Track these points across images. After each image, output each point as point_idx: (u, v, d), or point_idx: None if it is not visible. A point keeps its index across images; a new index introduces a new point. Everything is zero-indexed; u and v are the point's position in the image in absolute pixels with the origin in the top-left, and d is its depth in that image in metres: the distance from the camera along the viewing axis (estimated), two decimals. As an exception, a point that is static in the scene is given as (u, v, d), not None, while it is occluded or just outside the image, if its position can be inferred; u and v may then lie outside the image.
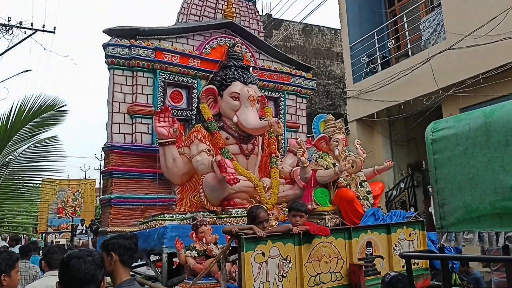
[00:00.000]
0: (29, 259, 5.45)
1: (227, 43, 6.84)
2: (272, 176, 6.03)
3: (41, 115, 5.47)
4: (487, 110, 2.47)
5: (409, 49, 9.33)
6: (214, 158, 5.19)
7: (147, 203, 5.91)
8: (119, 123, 6.11)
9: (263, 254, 3.42)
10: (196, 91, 6.55)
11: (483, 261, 4.62)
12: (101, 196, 6.15)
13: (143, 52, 6.19)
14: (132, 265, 2.51)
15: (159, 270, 5.19)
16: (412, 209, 8.49)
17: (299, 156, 5.04)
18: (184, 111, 6.50)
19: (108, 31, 6.19)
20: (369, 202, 4.93)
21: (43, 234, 16.96)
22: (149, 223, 5.34)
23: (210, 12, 7.19)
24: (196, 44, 6.83)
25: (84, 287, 1.81)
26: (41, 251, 8.35)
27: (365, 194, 4.97)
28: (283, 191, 5.93)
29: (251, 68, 6.95)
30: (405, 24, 9.45)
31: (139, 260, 6.02)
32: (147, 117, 6.19)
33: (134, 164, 5.99)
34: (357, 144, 5.59)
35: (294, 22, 15.43)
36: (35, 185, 5.80)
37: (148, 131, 6.19)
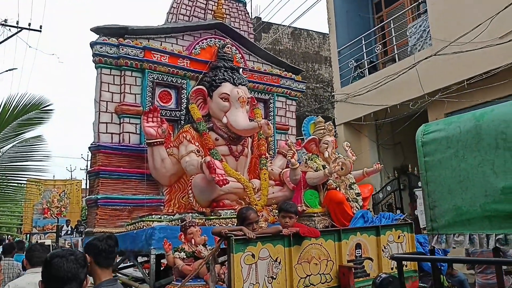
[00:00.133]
0: (13, 256, 5.34)
1: (217, 44, 6.81)
2: (261, 177, 6.00)
3: (26, 114, 5.36)
4: (478, 113, 2.50)
5: (396, 55, 9.47)
6: (203, 159, 5.14)
7: (134, 203, 5.83)
8: (107, 123, 6.01)
9: (253, 255, 3.40)
10: (185, 91, 6.50)
11: (473, 263, 4.67)
12: (88, 197, 6.05)
13: (132, 51, 6.11)
14: (111, 265, 2.50)
15: (147, 272, 5.13)
16: (398, 211, 8.57)
17: (289, 157, 5.03)
18: (173, 112, 6.44)
19: (96, 30, 6.10)
20: (359, 204, 4.95)
21: (28, 235, 16.68)
22: (136, 224, 5.26)
23: (200, 12, 7.14)
24: (186, 44, 6.78)
25: (66, 285, 1.82)
26: (26, 251, 8.16)
27: (355, 196, 4.99)
28: (273, 192, 5.91)
29: (241, 69, 6.93)
30: (392, 30, 9.58)
31: (126, 261, 5.94)
32: (135, 117, 6.11)
33: (122, 164, 5.91)
34: (347, 146, 5.61)
35: (283, 25, 15.49)
36: (19, 185, 5.66)
37: (136, 131, 6.11)
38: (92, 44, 5.98)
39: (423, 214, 7.61)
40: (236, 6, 7.62)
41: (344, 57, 10.50)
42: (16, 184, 5.64)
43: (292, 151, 5.02)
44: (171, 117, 6.37)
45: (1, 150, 5.35)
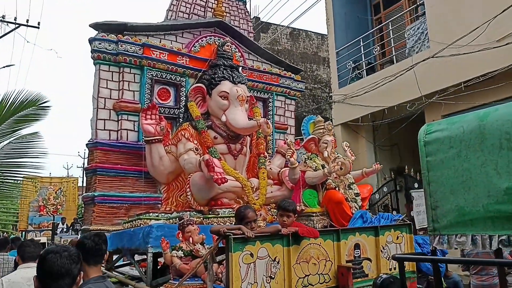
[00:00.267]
0: (7, 252, 5.29)
1: (216, 42, 6.77)
2: (260, 176, 5.97)
3: (23, 110, 5.33)
4: (481, 113, 2.47)
5: (394, 56, 9.48)
6: (202, 157, 5.11)
7: (132, 201, 5.80)
8: (104, 120, 5.98)
9: (251, 255, 3.36)
10: (184, 89, 6.46)
11: (474, 264, 4.66)
12: (85, 194, 6.00)
13: (131, 48, 6.07)
14: (100, 263, 2.51)
15: (143, 270, 5.08)
16: (394, 212, 8.56)
17: (289, 157, 5.00)
18: (172, 109, 6.40)
19: (95, 26, 6.06)
20: (357, 204, 4.92)
21: (23, 232, 16.56)
22: (133, 222, 5.22)
23: (200, 10, 7.11)
24: (185, 42, 6.75)
25: (59, 280, 1.87)
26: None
27: (354, 196, 4.96)
28: (271, 192, 5.88)
29: (240, 68, 6.90)
30: (390, 31, 9.59)
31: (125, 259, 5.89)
32: (133, 114, 6.08)
33: (119, 162, 5.87)
34: (346, 146, 5.59)
35: (282, 26, 15.48)
36: (15, 182, 5.62)
37: (134, 128, 6.07)
38: (91, 40, 5.94)
39: (419, 215, 7.64)
40: (236, 4, 7.59)
41: (342, 58, 10.51)
42: (12, 181, 5.59)
43: (291, 150, 5.00)
44: (170, 115, 6.33)
45: (-2, 146, 5.29)
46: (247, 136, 6.33)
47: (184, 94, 6.42)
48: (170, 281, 4.03)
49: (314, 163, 5.08)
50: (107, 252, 2.63)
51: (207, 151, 5.69)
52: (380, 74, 9.12)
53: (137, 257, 5.90)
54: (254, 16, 14.97)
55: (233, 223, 4.44)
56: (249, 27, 7.68)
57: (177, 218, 4.70)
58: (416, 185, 8.32)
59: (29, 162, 5.36)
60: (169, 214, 5.29)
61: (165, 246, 4.01)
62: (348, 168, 4.99)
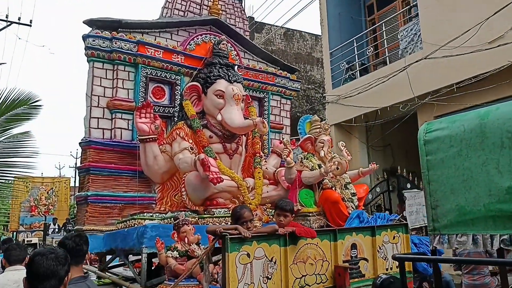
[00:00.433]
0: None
1: (212, 40, 6.71)
2: (255, 176, 5.93)
3: (14, 109, 5.25)
4: (482, 112, 2.45)
5: (387, 57, 9.53)
6: (197, 156, 5.04)
7: (125, 201, 5.71)
8: (98, 118, 5.89)
9: (248, 255, 3.32)
10: (179, 87, 6.39)
11: (476, 264, 4.66)
12: (77, 193, 5.91)
13: (125, 45, 5.99)
14: (81, 263, 2.55)
15: (138, 271, 5.02)
16: (387, 212, 8.58)
17: (285, 156, 4.96)
18: (166, 108, 6.33)
19: (89, 22, 5.97)
20: (354, 204, 4.89)
21: (15, 233, 16.37)
22: (127, 222, 5.15)
23: (195, 8, 7.04)
24: (180, 40, 6.68)
25: (45, 282, 1.91)
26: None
27: (350, 196, 4.93)
28: (267, 191, 5.84)
29: (236, 66, 6.84)
30: (384, 32, 9.63)
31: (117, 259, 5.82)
32: (128, 113, 5.99)
33: (113, 161, 5.78)
34: (342, 146, 5.56)
35: (276, 26, 15.46)
36: (6, 181, 5.53)
37: (128, 127, 5.99)
38: (85, 37, 5.85)
39: (412, 216, 7.66)
40: (232, 2, 7.54)
41: (336, 58, 10.55)
42: (3, 181, 5.51)
43: (287, 150, 4.96)
44: (165, 114, 6.26)
45: (-12, 145, 5.20)
46: (243, 136, 6.28)
47: (179, 92, 6.35)
48: (165, 282, 3.98)
49: (310, 162, 5.04)
50: (89, 252, 2.65)
51: (203, 151, 5.63)
52: (374, 75, 9.17)
53: (131, 258, 5.82)
54: (249, 16, 14.93)
55: (229, 223, 4.39)
56: (244, 25, 7.63)
57: (172, 218, 4.64)
58: (408, 186, 8.35)
59: (20, 162, 5.28)
60: (163, 214, 5.22)
61: (160, 246, 3.96)
62: (344, 167, 4.96)
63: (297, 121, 5.82)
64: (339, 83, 10.37)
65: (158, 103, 6.23)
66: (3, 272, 3.80)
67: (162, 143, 5.83)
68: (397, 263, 4.40)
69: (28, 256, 3.15)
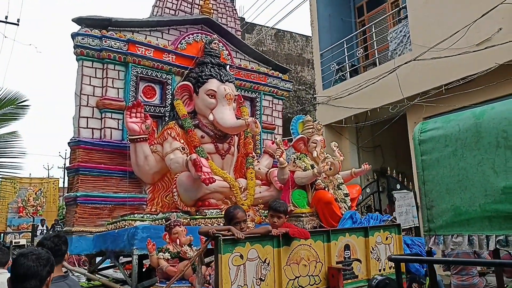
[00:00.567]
0: None
1: (203, 40, 6.66)
2: (248, 177, 5.88)
3: (1, 109, 5.16)
4: (477, 111, 2.44)
5: (377, 59, 9.58)
6: (189, 156, 4.98)
7: (116, 202, 5.61)
8: (87, 117, 5.79)
9: (241, 256, 3.27)
10: (170, 87, 6.32)
11: (472, 265, 4.67)
12: (66, 194, 5.80)
13: (115, 44, 5.91)
14: (60, 263, 2.56)
15: (128, 273, 4.94)
16: (376, 213, 8.61)
17: (278, 156, 4.92)
18: (157, 107, 6.25)
19: (78, 20, 5.87)
20: (347, 205, 4.88)
21: (2, 234, 16.09)
22: (117, 223, 5.07)
23: (187, 6, 6.98)
24: (171, 39, 6.61)
25: (25, 282, 1.94)
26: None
27: (343, 197, 4.92)
28: (260, 192, 5.80)
29: (228, 66, 6.80)
30: (374, 34, 9.69)
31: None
32: (118, 112, 5.90)
33: (103, 161, 5.69)
34: (335, 146, 5.55)
35: (267, 27, 15.46)
36: (-7, 182, 5.43)
37: (118, 127, 5.90)
38: (74, 35, 5.75)
39: (401, 216, 7.69)
40: (224, 2, 7.49)
41: (326, 60, 10.59)
42: (-11, 181, 5.42)
43: (280, 150, 4.92)
44: (155, 113, 6.18)
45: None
46: (235, 136, 6.23)
47: (170, 92, 6.28)
48: (156, 284, 3.91)
49: (303, 163, 5.01)
50: (68, 252, 2.69)
51: (194, 151, 5.57)
52: (363, 76, 9.22)
53: (121, 260, 5.73)
54: (239, 17, 14.92)
55: (222, 224, 4.35)
56: (236, 25, 7.58)
57: (164, 219, 4.57)
58: (398, 186, 8.41)
59: (7, 162, 5.20)
60: (154, 215, 5.15)
61: (151, 248, 3.89)
62: (337, 168, 4.95)
63: (288, 122, 5.80)
64: (330, 84, 10.41)
65: (148, 102, 6.16)
66: None
67: (153, 143, 5.76)
68: (390, 264, 4.41)
69: (11, 258, 3.12)
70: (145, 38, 6.26)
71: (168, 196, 5.54)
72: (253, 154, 6.37)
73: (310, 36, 12.86)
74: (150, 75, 6.18)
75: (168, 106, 6.25)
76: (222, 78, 6.09)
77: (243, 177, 6.03)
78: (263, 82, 7.44)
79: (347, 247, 4.12)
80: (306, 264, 3.72)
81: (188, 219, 4.97)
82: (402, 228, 6.90)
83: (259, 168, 6.17)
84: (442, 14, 7.44)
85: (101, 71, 5.93)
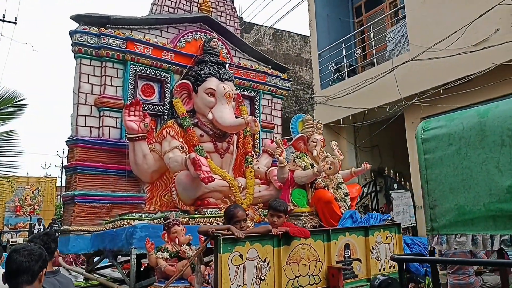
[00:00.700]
0: None
1: (202, 38, 6.62)
2: (247, 176, 5.85)
3: (-2, 108, 5.12)
4: (482, 110, 2.41)
5: (375, 59, 9.58)
6: (188, 155, 4.94)
7: (114, 201, 5.57)
8: (85, 116, 5.75)
9: (241, 256, 3.24)
10: (169, 85, 6.28)
11: (475, 265, 4.66)
12: (64, 193, 5.75)
13: (114, 42, 5.86)
14: (50, 260, 2.59)
15: (126, 272, 4.90)
16: (374, 212, 8.61)
17: (277, 155, 4.89)
18: (156, 106, 6.21)
19: (76, 18, 5.83)
20: (347, 204, 4.85)
21: (-1, 233, 16.04)
22: (116, 222, 5.03)
23: (186, 4, 6.94)
24: (170, 37, 6.57)
25: (18, 277, 1.99)
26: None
27: (343, 196, 4.89)
28: (259, 191, 5.76)
29: (227, 65, 6.76)
30: (372, 34, 9.69)
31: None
32: (116, 110, 5.86)
33: (101, 160, 5.64)
34: (334, 145, 5.52)
35: (265, 26, 15.43)
36: (-10, 181, 5.39)
37: (116, 125, 5.86)
38: (72, 33, 5.70)
39: (398, 216, 7.69)
40: (223, 0, 7.44)
41: (324, 59, 10.58)
42: (-14, 181, 5.39)
43: (280, 149, 4.89)
44: (154, 112, 6.14)
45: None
46: (234, 135, 6.20)
47: (169, 90, 6.24)
48: (155, 283, 3.87)
49: (303, 162, 4.98)
50: (57, 250, 2.75)
51: (193, 149, 5.53)
52: (361, 76, 9.21)
53: (119, 259, 5.69)
54: (238, 16, 14.88)
55: (220, 223, 4.31)
56: (235, 23, 7.54)
57: (162, 218, 4.54)
58: (395, 186, 8.42)
59: (4, 161, 5.16)
60: (153, 214, 5.12)
61: (150, 247, 3.85)
62: (337, 167, 4.92)
63: (286, 122, 5.77)
64: (328, 84, 10.41)
65: (147, 101, 6.11)
66: None
67: (152, 141, 5.72)
68: (390, 263, 4.39)
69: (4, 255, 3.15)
70: (144, 36, 6.22)
71: (167, 195, 5.50)
72: (252, 153, 6.33)
73: (308, 36, 12.84)
74: (148, 73, 6.14)
75: (167, 105, 6.21)
76: (221, 76, 6.06)
77: (242, 176, 6.00)
78: (262, 81, 7.40)
79: (347, 246, 4.09)
80: (306, 263, 3.69)
81: (187, 218, 4.94)
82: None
83: (258, 167, 6.13)
84: (440, 15, 7.45)
85: (99, 69, 5.89)
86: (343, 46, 10.13)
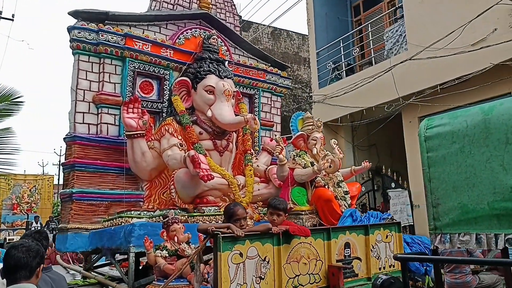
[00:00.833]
0: None
1: (202, 35, 6.56)
2: (246, 174, 5.80)
3: (-5, 105, 5.09)
4: (486, 107, 2.38)
5: (373, 58, 9.58)
6: (187, 152, 4.90)
7: (112, 199, 5.52)
8: (83, 113, 5.69)
9: (241, 254, 3.22)
10: (168, 82, 6.23)
11: (479, 264, 4.66)
12: (62, 190, 5.70)
13: (112, 38, 5.80)
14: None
15: (125, 271, 4.86)
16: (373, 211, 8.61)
17: (277, 153, 4.85)
18: (155, 103, 6.15)
19: (74, 13, 5.76)
20: (347, 203, 4.83)
21: (-4, 231, 15.98)
22: (114, 220, 4.99)
23: (185, 1, 6.87)
24: (169, 34, 6.51)
25: (16, 272, 2.06)
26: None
27: (343, 195, 4.87)
28: (258, 189, 5.72)
29: (227, 62, 6.71)
30: (370, 33, 9.69)
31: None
32: (114, 107, 5.80)
33: (99, 157, 5.58)
34: (334, 144, 5.49)
35: (263, 25, 15.37)
36: (-13, 179, 5.36)
37: (115, 122, 5.80)
38: (70, 29, 5.64)
39: (396, 215, 7.71)
40: (223, -4, 7.39)
41: (322, 58, 10.57)
42: (-17, 178, 5.36)
43: (280, 147, 4.86)
44: (153, 109, 6.09)
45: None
46: (233, 133, 6.15)
47: (168, 87, 6.19)
48: (153, 282, 3.84)
49: (303, 160, 4.96)
50: (49, 248, 2.80)
51: (192, 147, 5.49)
52: (359, 75, 9.21)
53: (117, 257, 5.65)
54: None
55: (220, 222, 4.28)
56: (235, 20, 7.49)
57: (161, 216, 4.50)
58: (393, 185, 8.43)
59: (1, 159, 5.12)
60: (151, 212, 5.07)
61: (148, 245, 3.82)
62: (337, 165, 4.89)
63: (284, 120, 5.73)
64: (326, 83, 10.40)
65: (146, 98, 6.06)
66: None
67: (150, 139, 5.67)
68: (390, 262, 4.37)
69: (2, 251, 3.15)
70: (143, 33, 6.16)
71: (166, 193, 5.45)
72: (252, 151, 6.29)
73: (307, 35, 12.83)
74: (147, 70, 6.08)
75: (165, 102, 6.16)
76: (220, 74, 6.01)
77: (242, 174, 5.96)
78: (261, 79, 7.36)
79: (347, 245, 4.07)
80: (306, 262, 3.67)
81: (186, 216, 4.89)
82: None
83: (257, 165, 6.09)
84: (437, 14, 7.46)
85: (97, 65, 5.83)
86: (341, 45, 10.12)
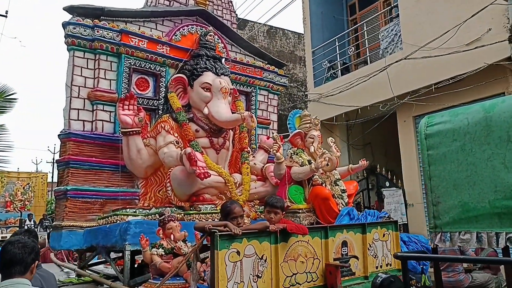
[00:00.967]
0: None
1: (198, 32, 6.51)
2: (243, 172, 5.76)
3: (-12, 103, 5.01)
4: (487, 105, 2.36)
5: (368, 57, 9.60)
6: (183, 150, 4.84)
7: (107, 196, 5.44)
8: (78, 109, 5.61)
9: (238, 252, 3.20)
10: (164, 79, 6.17)
11: (480, 262, 4.66)
12: (56, 188, 5.63)
13: (108, 34, 5.73)
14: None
15: (120, 269, 4.81)
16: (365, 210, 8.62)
17: (274, 151, 4.82)
18: (151, 100, 6.09)
19: (69, 9, 5.68)
20: (344, 201, 4.81)
21: (-12, 229, 15.84)
22: (109, 218, 4.93)
23: (182, -3, 6.81)
24: (166, 30, 6.44)
25: (11, 267, 2.11)
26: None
27: (340, 193, 4.84)
28: (255, 187, 5.69)
29: (224, 59, 6.66)
30: (365, 32, 9.71)
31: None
32: (110, 104, 5.73)
33: (94, 154, 5.51)
34: (331, 142, 5.47)
35: (259, 23, 15.33)
36: (-21, 176, 5.30)
37: (110, 119, 5.73)
38: (65, 24, 5.56)
39: (390, 213, 7.75)
40: (219, -7, 7.33)
41: (318, 57, 10.58)
42: (-25, 175, 5.32)
43: (277, 145, 4.82)
44: (149, 106, 6.02)
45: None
46: (230, 130, 6.11)
47: (164, 84, 6.13)
48: (149, 280, 3.80)
49: (300, 158, 4.93)
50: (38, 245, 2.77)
51: (189, 145, 5.44)
52: (355, 74, 9.23)
53: (112, 255, 5.59)
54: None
55: (216, 220, 4.24)
56: (232, 17, 7.44)
57: (157, 214, 4.45)
58: (387, 184, 8.45)
59: (-7, 156, 5.06)
60: (147, 210, 5.02)
61: (144, 243, 3.77)
62: (335, 164, 4.87)
63: (280, 119, 5.70)
64: (321, 82, 10.41)
65: (142, 95, 6.00)
66: None
67: (146, 136, 5.61)
68: (386, 260, 4.36)
69: None
70: (139, 29, 6.10)
71: (162, 190, 5.40)
72: (249, 149, 6.25)
73: (302, 34, 12.82)
74: (143, 66, 6.01)
75: (161, 99, 6.10)
76: (217, 71, 5.96)
77: (238, 172, 5.92)
78: (258, 76, 7.31)
79: (344, 243, 4.06)
80: (304, 260, 3.65)
81: (182, 214, 4.85)
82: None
83: (254, 163, 6.06)
84: (433, 14, 7.49)
85: (93, 61, 5.75)
86: (337, 44, 10.14)
